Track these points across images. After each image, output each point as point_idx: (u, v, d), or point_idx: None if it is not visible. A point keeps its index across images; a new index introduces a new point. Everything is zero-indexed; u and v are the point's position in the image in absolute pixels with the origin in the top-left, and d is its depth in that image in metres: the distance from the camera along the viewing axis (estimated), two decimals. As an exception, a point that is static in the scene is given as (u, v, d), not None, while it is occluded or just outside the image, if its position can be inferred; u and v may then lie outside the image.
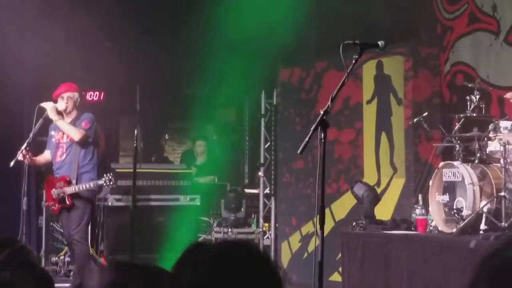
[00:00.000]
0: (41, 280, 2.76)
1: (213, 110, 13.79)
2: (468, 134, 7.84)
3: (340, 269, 9.01)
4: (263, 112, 12.03)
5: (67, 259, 10.13)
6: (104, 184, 8.74)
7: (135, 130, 9.80)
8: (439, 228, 7.61)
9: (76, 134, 8.70)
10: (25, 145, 8.66)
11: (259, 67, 11.02)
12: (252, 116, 12.93)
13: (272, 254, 11.46)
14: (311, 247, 10.46)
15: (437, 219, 7.63)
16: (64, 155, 8.88)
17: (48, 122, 8.84)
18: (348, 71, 5.07)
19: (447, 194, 7.50)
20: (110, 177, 8.69)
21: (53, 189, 8.77)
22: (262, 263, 2.11)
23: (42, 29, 10.17)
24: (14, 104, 10.77)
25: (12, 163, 8.64)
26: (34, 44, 10.19)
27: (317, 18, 11.12)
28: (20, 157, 8.63)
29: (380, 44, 5.29)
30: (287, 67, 11.65)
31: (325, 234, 4.90)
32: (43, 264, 10.21)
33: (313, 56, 11.70)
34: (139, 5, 11.53)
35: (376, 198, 8.76)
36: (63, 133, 8.87)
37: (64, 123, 8.75)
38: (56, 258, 10.31)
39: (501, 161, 7.15)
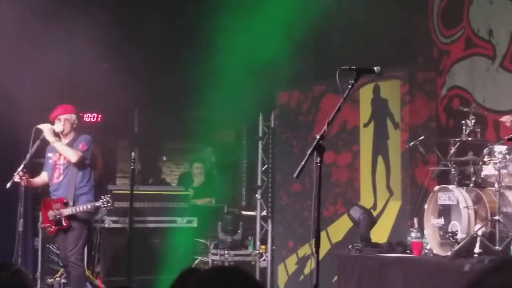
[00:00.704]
0: None
1: (211, 132, 13.80)
2: (463, 158, 7.88)
3: (336, 291, 9.02)
4: (260, 134, 12.07)
5: (63, 280, 10.10)
6: (102, 205, 8.75)
7: (133, 152, 9.81)
8: (434, 251, 7.63)
9: (73, 155, 8.72)
10: (21, 166, 8.66)
11: (257, 90, 11.06)
12: (250, 139, 12.97)
13: (269, 276, 11.47)
14: (307, 270, 10.47)
15: (432, 242, 7.66)
16: (61, 177, 8.89)
17: (45, 143, 8.85)
18: (345, 96, 5.10)
19: (442, 217, 7.53)
20: (108, 198, 8.70)
21: (50, 211, 8.77)
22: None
23: (40, 50, 10.21)
24: (11, 125, 10.78)
25: (8, 185, 8.64)
26: (32, 65, 10.23)
27: (316, 42, 11.19)
28: (16, 178, 8.63)
29: (376, 70, 5.33)
30: (285, 90, 11.70)
31: (321, 257, 4.93)
32: (38, 286, 10.20)
33: (312, 80, 11.75)
34: (137, 27, 11.58)
35: (372, 221, 8.78)
36: (60, 155, 8.88)
37: (61, 145, 8.77)
38: (52, 280, 10.29)
39: (496, 185, 7.19)
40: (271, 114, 12.01)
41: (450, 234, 7.32)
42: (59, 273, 10.19)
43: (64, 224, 8.70)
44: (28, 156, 8.71)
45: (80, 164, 8.81)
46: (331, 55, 10.39)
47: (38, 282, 10.34)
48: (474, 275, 1.92)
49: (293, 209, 11.27)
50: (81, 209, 8.69)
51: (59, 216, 8.71)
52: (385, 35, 10.09)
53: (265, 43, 10.22)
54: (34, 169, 9.37)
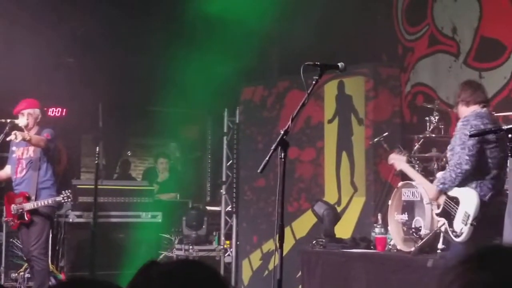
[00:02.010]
0: None
1: (176, 128, 13.79)
2: (427, 155, 7.96)
3: (300, 287, 9.05)
4: (225, 130, 12.07)
5: (27, 275, 10.05)
6: (62, 200, 8.74)
7: (97, 147, 9.78)
8: (398, 247, 7.69)
9: (41, 140, 8.68)
10: (-15, 160, 8.63)
11: (222, 85, 11.07)
12: (215, 134, 12.97)
13: (233, 271, 11.49)
14: (271, 265, 10.43)
15: (396, 238, 7.72)
16: (24, 171, 8.86)
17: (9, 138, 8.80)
18: (309, 91, 5.12)
19: (406, 213, 7.58)
20: (68, 193, 8.68)
21: (13, 205, 8.74)
22: (215, 282, 2.13)
23: (5, 44, 10.14)
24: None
25: (-28, 179, 8.60)
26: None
27: (280, 37, 11.22)
28: (-20, 172, 8.60)
29: (340, 66, 5.35)
30: (250, 86, 11.71)
31: (285, 252, 4.95)
32: (2, 281, 10.14)
33: (276, 76, 11.78)
34: (102, 22, 11.53)
35: (336, 216, 8.82)
36: (24, 149, 8.85)
37: (32, 135, 8.71)
38: (16, 274, 10.23)
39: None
40: (236, 110, 12.01)
41: (413, 230, 7.38)
42: (23, 267, 10.13)
43: (26, 218, 8.68)
44: (-9, 150, 8.67)
45: (43, 157, 8.77)
46: (295, 51, 10.41)
47: (2, 276, 10.28)
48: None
49: (257, 204, 11.29)
50: (43, 203, 8.66)
51: (21, 210, 8.68)
52: (350, 31, 10.14)
53: (230, 38, 10.22)
54: (-2, 163, 9.32)
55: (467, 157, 6.41)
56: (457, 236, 6.43)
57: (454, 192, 6.59)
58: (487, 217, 6.40)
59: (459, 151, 6.45)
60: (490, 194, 6.47)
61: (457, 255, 6.34)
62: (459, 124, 6.59)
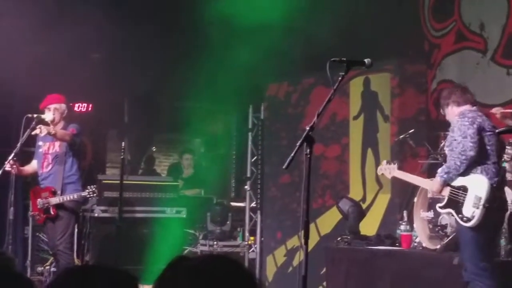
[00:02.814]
0: (17, 282, 2.80)
1: (201, 124, 13.80)
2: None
3: (324, 283, 9.04)
4: (250, 126, 12.07)
5: (52, 269, 10.09)
6: (87, 195, 8.77)
7: (123, 142, 9.81)
8: (423, 245, 7.65)
9: (66, 135, 8.72)
10: (12, 155, 8.66)
11: (247, 81, 11.06)
12: (240, 130, 12.97)
13: (257, 267, 11.50)
14: (296, 261, 10.49)
15: (421, 236, 7.68)
16: (50, 166, 8.90)
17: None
18: (335, 88, 5.10)
19: (431, 210, 7.53)
20: (93, 188, 8.71)
21: (39, 199, 8.79)
22: (243, 276, 2.13)
23: (31, 39, 10.18)
24: (1, 114, 10.77)
25: (-1, 173, 8.65)
26: (22, 54, 10.20)
27: (305, 34, 11.18)
28: (7, 167, 8.63)
29: (366, 62, 5.32)
30: (275, 82, 11.69)
31: (310, 249, 4.93)
32: (28, 274, 10.20)
33: (301, 72, 11.76)
34: (128, 17, 11.55)
35: (361, 213, 8.80)
36: (50, 144, 8.89)
37: (57, 129, 8.75)
38: (42, 268, 10.29)
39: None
40: (261, 106, 12.01)
41: (439, 227, 7.34)
42: (49, 261, 10.19)
43: (51, 212, 8.71)
44: (18, 145, 8.71)
45: (68, 152, 8.80)
46: (320, 47, 10.37)
47: (28, 270, 10.34)
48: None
49: (282, 200, 11.28)
50: (68, 198, 8.70)
51: (47, 204, 8.72)
52: (376, 28, 10.09)
53: (255, 34, 10.21)
54: (25, 158, 9.36)
55: (471, 144, 6.49)
56: (468, 220, 6.43)
57: (460, 181, 6.60)
58: (497, 200, 6.50)
59: (461, 141, 6.52)
60: (496, 179, 6.53)
61: (467, 241, 6.39)
62: (455, 119, 6.68)
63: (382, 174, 7.53)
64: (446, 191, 6.68)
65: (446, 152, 6.83)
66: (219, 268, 2.11)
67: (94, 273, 2.34)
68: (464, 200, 6.51)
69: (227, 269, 2.12)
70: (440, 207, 6.79)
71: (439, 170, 6.79)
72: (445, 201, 6.70)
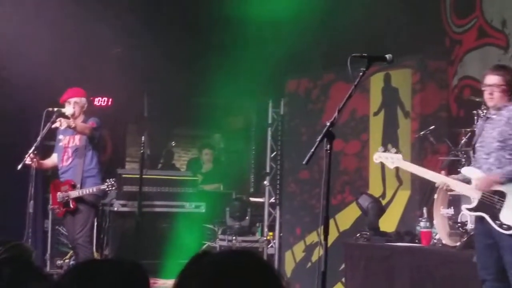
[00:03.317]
0: (33, 273, 2.81)
1: (220, 118, 13.82)
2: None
3: (343, 279, 9.03)
4: (270, 121, 12.07)
5: (72, 262, 10.14)
6: (107, 189, 8.78)
7: (142, 137, 9.83)
8: (443, 241, 7.62)
9: (86, 128, 8.75)
10: (32, 149, 8.70)
11: (267, 77, 11.06)
12: (259, 126, 12.97)
13: (276, 263, 11.49)
14: (314, 257, 10.49)
15: (441, 232, 7.64)
16: (70, 160, 8.93)
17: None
18: (356, 83, 5.08)
19: (452, 207, 7.51)
20: (113, 182, 8.73)
21: (58, 193, 8.82)
22: (266, 272, 2.13)
23: (52, 34, 10.21)
24: (22, 108, 10.81)
25: (19, 167, 8.67)
26: (43, 49, 10.23)
27: (326, 29, 11.15)
28: (27, 160, 8.66)
29: (387, 58, 5.29)
30: (295, 78, 11.68)
31: (329, 245, 4.91)
32: (48, 268, 10.25)
33: (321, 68, 11.73)
34: (149, 11, 11.57)
35: (380, 210, 8.78)
36: (70, 138, 8.92)
37: (77, 122, 8.78)
38: (61, 261, 10.34)
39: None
40: (280, 101, 11.99)
41: (459, 224, 7.30)
42: (68, 255, 10.23)
43: (71, 206, 8.74)
44: (39, 138, 8.74)
45: (88, 146, 8.83)
46: (340, 43, 10.35)
47: (48, 263, 10.38)
48: None
49: (301, 196, 11.27)
50: (87, 191, 8.72)
51: (66, 198, 8.75)
52: (397, 23, 10.05)
53: (276, 31, 10.21)
54: (45, 151, 9.40)
55: None
56: (509, 228, 6.18)
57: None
58: None
59: None
60: None
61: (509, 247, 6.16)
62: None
63: (381, 162, 6.91)
64: (478, 194, 6.43)
65: (494, 145, 6.34)
66: (244, 264, 2.10)
67: (104, 266, 2.35)
68: (501, 207, 6.17)
69: (252, 265, 2.11)
70: (469, 209, 6.53)
71: (503, 170, 6.30)
72: (476, 203, 6.34)
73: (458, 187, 6.51)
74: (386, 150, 6.87)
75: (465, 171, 6.49)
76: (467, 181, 6.42)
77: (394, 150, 6.86)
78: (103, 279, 2.27)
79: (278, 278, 2.15)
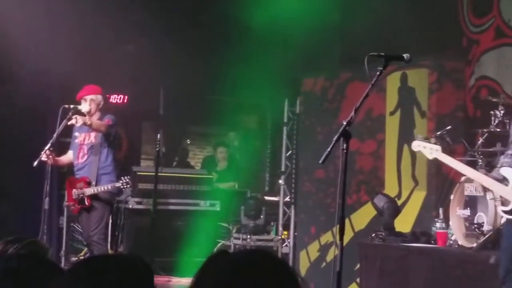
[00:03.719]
0: (49, 269, 2.81)
1: (235, 117, 13.81)
2: (491, 149, 7.81)
3: (358, 279, 9.00)
4: (285, 120, 12.05)
5: (86, 260, 10.14)
6: (121, 186, 8.79)
7: (158, 134, 9.83)
8: (459, 243, 7.57)
9: (102, 125, 8.76)
10: (48, 145, 8.71)
11: (283, 75, 11.04)
12: (275, 124, 12.95)
13: (290, 262, 11.46)
14: (329, 257, 10.46)
15: (457, 233, 7.60)
16: (85, 157, 8.95)
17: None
18: (373, 83, 5.05)
19: (468, 208, 7.46)
20: (127, 179, 8.73)
21: (74, 190, 8.85)
22: (283, 271, 2.12)
23: (67, 31, 10.24)
24: (38, 105, 10.84)
25: (35, 163, 8.69)
26: (59, 46, 10.26)
27: (342, 28, 11.12)
28: (43, 157, 8.68)
29: (405, 57, 5.26)
30: (311, 77, 11.65)
31: (344, 244, 4.89)
32: (62, 264, 10.26)
33: (338, 67, 11.70)
34: (164, 9, 11.57)
35: (396, 210, 8.74)
36: (85, 135, 8.94)
37: (93, 119, 8.79)
38: (76, 258, 10.36)
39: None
40: (296, 100, 11.97)
41: (476, 225, 7.25)
42: (83, 252, 10.26)
43: (86, 203, 8.76)
44: (55, 135, 8.75)
45: (103, 143, 8.84)
46: (357, 42, 10.31)
47: (62, 260, 10.41)
48: None
49: (316, 195, 11.24)
50: (102, 189, 8.74)
51: (81, 195, 8.77)
52: (414, 23, 10.00)
53: (292, 29, 10.19)
54: (61, 148, 9.42)
55: None
56: None
57: None
58: None
59: None
60: None
61: None
62: None
63: (419, 151, 6.88)
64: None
65: None
66: (262, 264, 2.09)
67: (109, 262, 2.35)
68: None
69: (271, 265, 2.10)
70: (505, 212, 6.42)
71: None
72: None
73: (495, 187, 6.48)
74: (425, 138, 6.87)
75: (505, 172, 6.43)
76: (502, 180, 6.37)
77: (433, 140, 6.86)
78: (108, 275, 2.27)
79: (294, 276, 2.14)
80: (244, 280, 2.05)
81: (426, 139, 6.88)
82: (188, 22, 11.77)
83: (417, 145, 6.84)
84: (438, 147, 6.74)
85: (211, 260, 2.14)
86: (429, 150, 6.79)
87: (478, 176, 6.66)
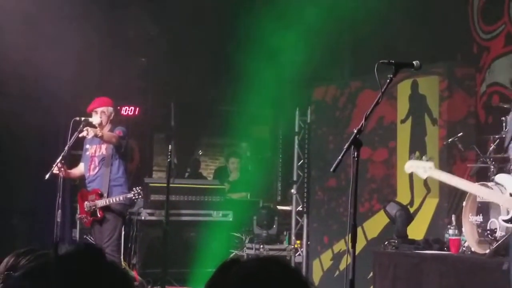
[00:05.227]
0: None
1: (246, 127, 13.81)
2: (503, 155, 7.78)
3: (371, 287, 8.97)
4: (296, 129, 12.04)
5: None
6: (133, 197, 8.79)
7: (169, 145, 9.85)
8: (472, 249, 7.55)
9: (113, 137, 8.77)
10: (60, 158, 8.73)
11: (293, 85, 11.04)
12: (286, 134, 12.95)
13: (304, 271, 11.44)
14: (342, 265, 10.44)
15: (470, 240, 7.58)
16: (97, 169, 8.96)
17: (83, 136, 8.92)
18: (383, 90, 5.05)
19: (480, 215, 7.44)
20: (139, 190, 8.73)
21: (86, 202, 8.85)
22: (295, 279, 2.11)
23: (79, 44, 10.28)
24: (49, 117, 10.88)
25: (47, 176, 8.70)
26: (70, 59, 10.30)
27: (352, 37, 11.14)
28: (55, 170, 8.69)
29: (415, 64, 5.26)
30: (322, 86, 11.65)
31: (357, 253, 4.88)
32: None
33: (348, 75, 11.69)
34: (174, 22, 11.62)
35: (408, 217, 8.72)
36: (96, 147, 8.95)
37: (104, 131, 8.81)
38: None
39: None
40: (307, 109, 11.97)
41: (488, 232, 7.23)
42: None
43: (98, 215, 8.77)
44: (66, 148, 8.77)
45: (118, 147, 8.84)
46: (368, 51, 10.32)
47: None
48: None
49: (328, 204, 11.23)
50: (114, 200, 8.74)
51: (93, 207, 8.77)
52: (424, 31, 10.00)
53: (302, 39, 10.19)
54: (72, 161, 9.44)
55: None
56: None
57: None
58: None
59: None
60: None
61: None
62: None
63: (412, 172, 6.70)
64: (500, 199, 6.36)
65: None
66: (274, 272, 2.08)
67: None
68: None
69: (282, 273, 2.09)
70: (505, 221, 6.37)
71: None
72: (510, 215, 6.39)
73: (493, 197, 6.46)
74: (416, 157, 6.75)
75: (499, 179, 6.41)
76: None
77: (425, 158, 6.71)
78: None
79: (307, 284, 2.13)
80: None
81: (417, 158, 6.75)
82: (198, 35, 11.80)
83: (410, 166, 6.68)
84: (431, 164, 6.59)
85: (222, 269, 2.13)
86: (422, 169, 6.61)
87: (474, 189, 6.59)
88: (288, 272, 2.10)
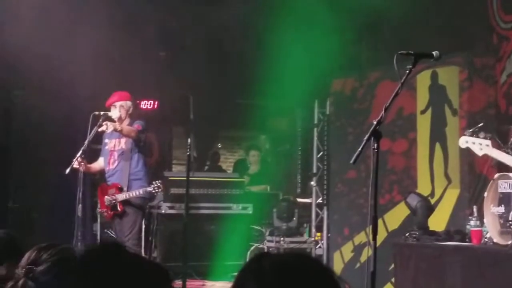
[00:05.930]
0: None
1: (266, 120, 13.81)
2: (524, 145, 7.73)
3: (393, 279, 8.94)
4: (316, 122, 12.02)
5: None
6: (153, 190, 8.81)
7: (188, 139, 9.85)
8: (494, 240, 7.49)
9: (131, 131, 8.79)
10: (80, 153, 8.76)
11: (312, 77, 11.01)
12: (305, 126, 12.93)
13: (324, 263, 11.42)
14: (363, 257, 10.42)
15: (492, 231, 7.52)
16: (116, 163, 8.99)
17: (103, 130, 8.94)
18: (402, 81, 5.02)
19: (502, 205, 7.38)
20: (159, 184, 8.75)
21: (106, 196, 8.88)
22: (325, 275, 2.10)
23: (98, 38, 10.29)
24: (69, 112, 10.91)
25: (67, 171, 8.74)
26: (89, 53, 10.32)
27: (371, 28, 11.08)
28: (75, 164, 8.73)
29: (435, 55, 5.23)
30: (340, 77, 11.61)
31: (377, 245, 4.86)
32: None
33: (367, 67, 11.64)
34: (193, 16, 11.60)
35: (429, 209, 8.67)
36: (116, 141, 8.97)
37: (123, 125, 8.83)
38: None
39: (558, 172, 7.02)
40: (326, 101, 11.94)
41: (510, 222, 7.18)
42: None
43: (119, 209, 8.80)
44: (86, 142, 8.80)
45: (134, 148, 8.86)
46: (386, 42, 10.28)
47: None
48: None
49: (348, 196, 11.20)
50: (134, 194, 8.76)
51: (114, 201, 8.80)
52: (443, 21, 9.94)
53: (321, 30, 10.16)
54: (92, 155, 9.47)
55: None
56: None
57: None
58: None
59: None
60: None
61: None
62: None
63: (467, 147, 6.74)
64: None
65: None
66: (305, 267, 2.07)
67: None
68: None
69: (313, 268, 2.08)
70: None
71: None
72: None
73: None
74: (474, 133, 6.67)
75: None
76: None
77: (483, 134, 6.67)
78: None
79: (338, 282, 2.12)
80: (287, 283, 2.03)
81: (474, 133, 6.69)
82: (216, 28, 11.78)
83: (465, 141, 6.69)
84: (488, 142, 6.56)
85: (254, 261, 2.11)
86: (478, 145, 6.63)
87: None
88: (320, 268, 2.10)
